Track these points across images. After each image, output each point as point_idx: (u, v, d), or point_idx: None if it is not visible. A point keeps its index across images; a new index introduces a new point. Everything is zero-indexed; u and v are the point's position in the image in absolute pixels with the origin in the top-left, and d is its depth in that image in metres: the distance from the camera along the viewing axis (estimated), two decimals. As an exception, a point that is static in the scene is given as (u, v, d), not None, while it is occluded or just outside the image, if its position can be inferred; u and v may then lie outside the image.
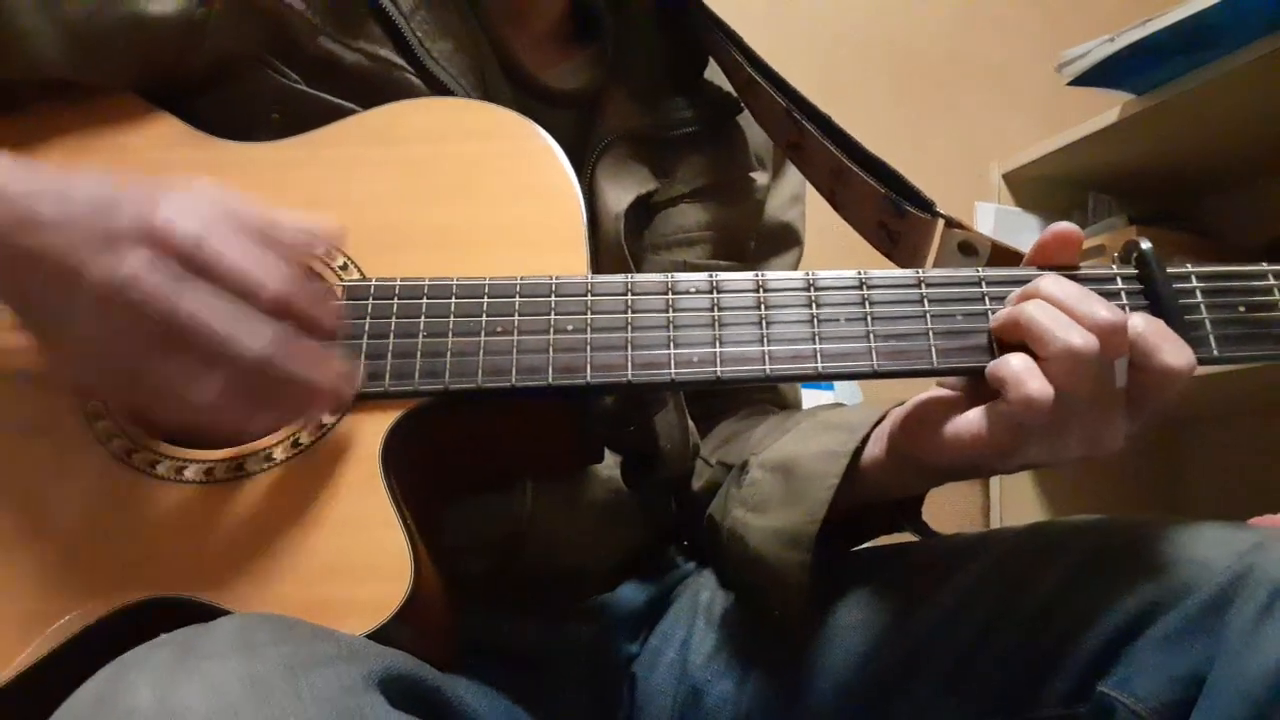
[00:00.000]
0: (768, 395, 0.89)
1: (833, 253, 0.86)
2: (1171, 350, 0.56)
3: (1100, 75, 1.53)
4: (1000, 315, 0.58)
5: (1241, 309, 0.60)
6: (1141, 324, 0.56)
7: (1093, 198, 1.81)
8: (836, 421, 0.70)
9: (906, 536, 0.73)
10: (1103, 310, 0.55)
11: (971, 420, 0.57)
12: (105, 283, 0.50)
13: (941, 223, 0.69)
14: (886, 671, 0.65)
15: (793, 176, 0.90)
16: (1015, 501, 1.74)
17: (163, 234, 0.51)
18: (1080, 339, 0.54)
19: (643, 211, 0.77)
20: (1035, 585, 0.61)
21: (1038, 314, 0.56)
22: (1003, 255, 0.66)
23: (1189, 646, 0.54)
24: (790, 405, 0.90)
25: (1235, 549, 0.56)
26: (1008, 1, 1.98)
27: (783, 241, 0.90)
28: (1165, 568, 0.57)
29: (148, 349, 0.51)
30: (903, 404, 0.65)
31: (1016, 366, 0.55)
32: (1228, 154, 1.65)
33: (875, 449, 0.66)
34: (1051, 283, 0.57)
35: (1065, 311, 0.56)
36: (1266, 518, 1.23)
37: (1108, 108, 1.59)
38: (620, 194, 0.74)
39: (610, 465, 0.75)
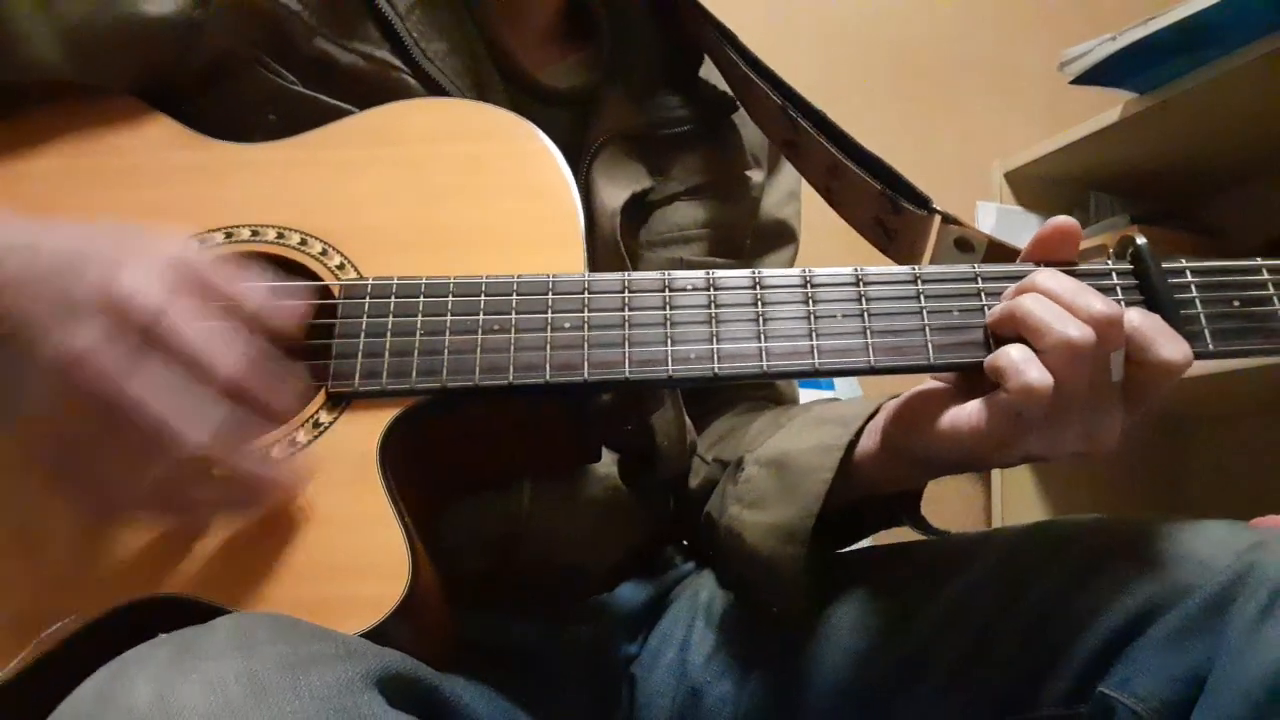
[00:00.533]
0: (764, 392, 0.89)
1: (829, 250, 0.86)
2: (1168, 344, 0.56)
3: (1102, 74, 1.53)
4: (996, 310, 0.59)
5: (1236, 304, 0.60)
6: (1138, 319, 0.56)
7: (1094, 197, 1.81)
8: (831, 416, 0.70)
9: (906, 533, 0.73)
10: (1099, 303, 0.55)
11: (970, 412, 0.57)
12: (57, 355, 0.49)
13: (938, 219, 0.69)
14: (887, 672, 0.65)
15: (788, 174, 0.90)
16: (1016, 499, 1.74)
17: (122, 305, 0.49)
18: (1077, 331, 0.54)
19: (638, 209, 0.77)
20: (1036, 585, 0.61)
21: (1035, 307, 0.56)
22: (999, 252, 0.66)
23: (1189, 646, 0.54)
24: (787, 401, 0.90)
25: (1235, 549, 0.56)
26: (1009, 1, 1.98)
27: (778, 238, 0.90)
28: (1166, 568, 0.57)
29: (90, 428, 0.50)
30: (896, 397, 0.65)
31: (1016, 356, 0.55)
32: (1228, 154, 1.65)
33: (869, 442, 0.66)
34: (1047, 277, 0.58)
35: (1062, 305, 0.56)
36: (1267, 518, 1.23)
37: (1109, 107, 1.59)
38: (616, 192, 0.74)
39: (608, 464, 0.75)
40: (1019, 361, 0.55)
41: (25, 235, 0.52)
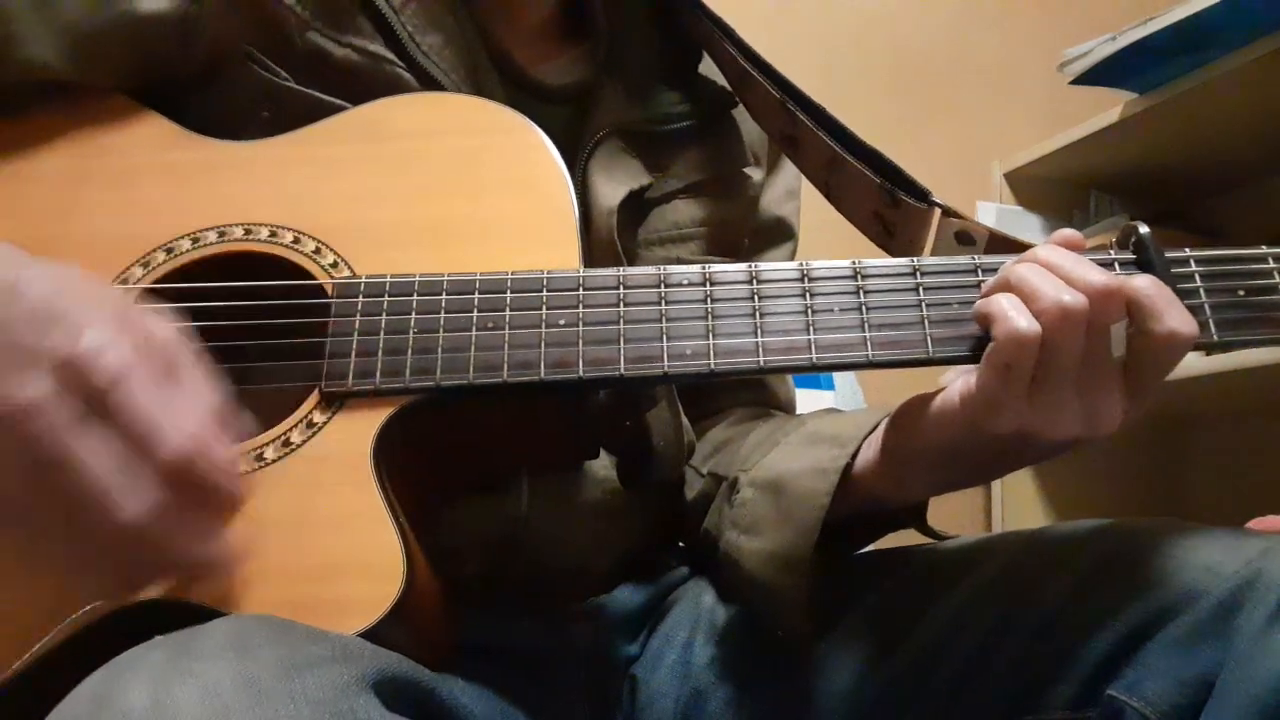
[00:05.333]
0: (760, 396, 0.88)
1: (829, 250, 0.85)
2: (1177, 316, 0.55)
3: (1102, 74, 1.54)
4: (991, 281, 0.58)
5: (1241, 292, 0.59)
6: (1147, 286, 0.55)
7: (1094, 197, 1.81)
8: (827, 434, 0.69)
9: (907, 535, 0.73)
10: (1096, 274, 0.55)
11: (962, 379, 0.57)
12: (5, 404, 0.47)
13: (938, 212, 0.68)
14: (895, 677, 0.64)
15: (788, 172, 0.90)
16: (1017, 502, 1.74)
17: (81, 366, 0.48)
18: (1070, 296, 0.54)
19: (636, 207, 0.77)
20: (1044, 589, 0.61)
21: (1029, 273, 0.56)
22: (1000, 245, 0.65)
23: (1198, 650, 0.54)
24: (783, 405, 0.90)
25: (1244, 555, 0.55)
26: (1009, 1, 1.98)
27: (776, 235, 0.89)
28: (1174, 573, 0.56)
29: (27, 485, 0.48)
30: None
31: (1005, 303, 0.55)
32: (1228, 154, 1.65)
33: (868, 454, 0.65)
34: (1047, 251, 0.57)
35: (1059, 274, 0.56)
36: (1268, 518, 1.23)
37: (1109, 107, 1.59)
38: (614, 189, 0.74)
39: (606, 465, 0.75)
40: (1008, 308, 0.55)
41: (13, 271, 0.51)
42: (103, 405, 0.48)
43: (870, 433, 0.66)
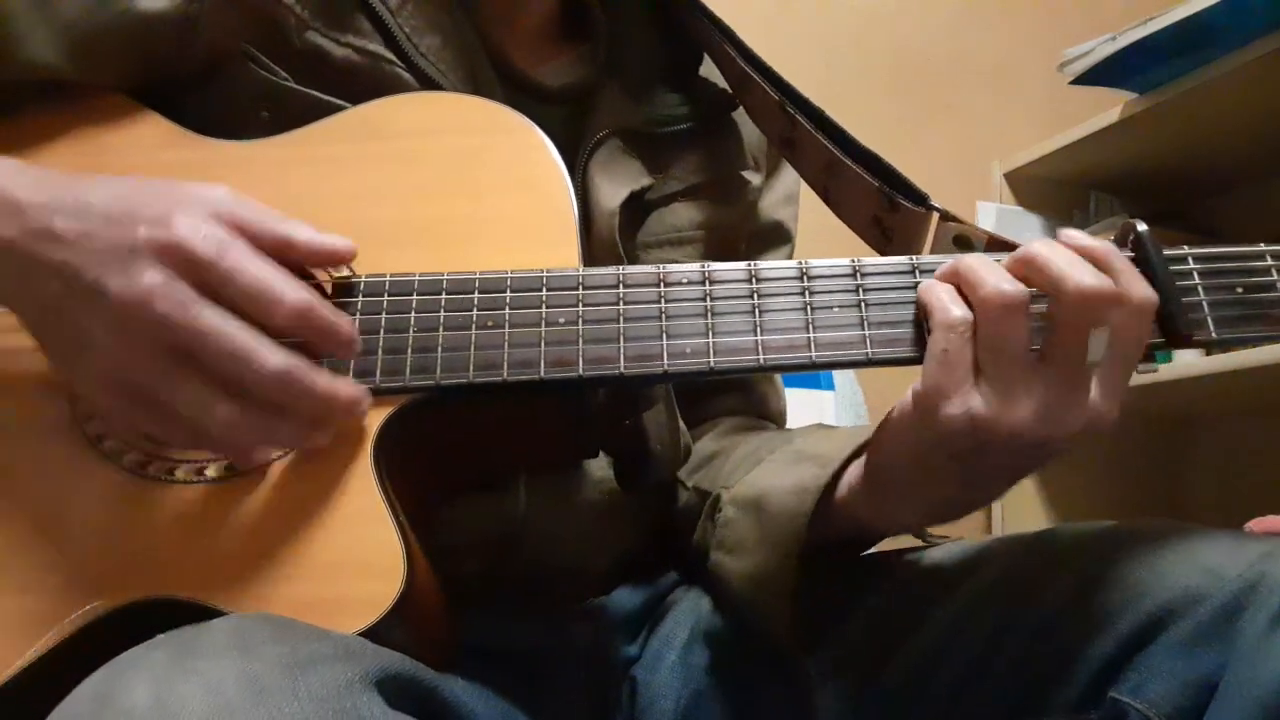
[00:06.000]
0: (751, 405, 0.88)
1: (826, 255, 0.86)
2: (1139, 288, 0.55)
3: (1102, 74, 1.54)
4: (940, 269, 0.59)
5: (1239, 290, 0.59)
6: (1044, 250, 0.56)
7: (1094, 197, 1.81)
8: (810, 452, 0.69)
9: (911, 538, 0.72)
10: (1088, 277, 0.54)
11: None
12: (122, 300, 0.51)
13: (936, 216, 0.68)
14: (895, 680, 0.64)
15: (787, 177, 0.89)
16: (1017, 503, 1.74)
17: (180, 249, 0.51)
18: (1011, 285, 0.54)
19: (637, 208, 0.77)
20: (1046, 591, 0.60)
21: (975, 263, 0.57)
22: (999, 249, 0.65)
23: (1201, 653, 0.54)
24: (773, 415, 0.89)
25: (1247, 557, 0.55)
26: (1009, 1, 1.98)
27: (773, 239, 0.89)
28: (1177, 575, 0.56)
29: (164, 367, 0.52)
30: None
31: (940, 292, 0.56)
32: (1228, 154, 1.66)
33: (853, 476, 0.65)
34: (1044, 246, 0.57)
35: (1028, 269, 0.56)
36: (1268, 518, 1.23)
37: (1109, 107, 1.59)
38: (614, 190, 0.74)
39: (604, 466, 0.74)
40: (943, 296, 0.56)
41: (70, 191, 0.54)
42: (215, 278, 0.52)
43: (855, 454, 0.65)
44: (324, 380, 0.54)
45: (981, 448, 0.56)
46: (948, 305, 0.56)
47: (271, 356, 0.52)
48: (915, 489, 0.61)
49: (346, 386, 0.55)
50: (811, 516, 0.63)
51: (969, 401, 0.55)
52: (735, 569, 0.68)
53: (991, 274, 0.55)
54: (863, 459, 0.64)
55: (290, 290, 0.53)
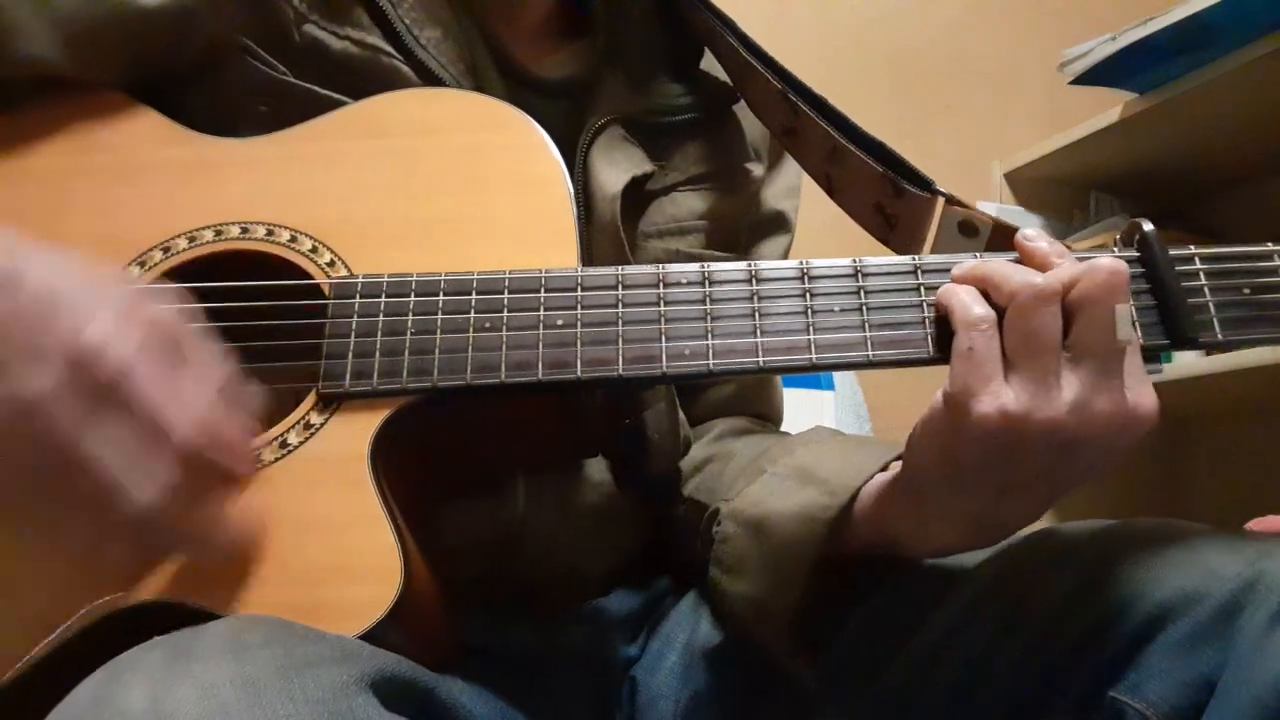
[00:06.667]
0: (748, 405, 0.87)
1: (828, 251, 0.85)
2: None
3: (1102, 74, 1.54)
4: (958, 270, 0.58)
5: (1246, 290, 0.58)
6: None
7: (1094, 197, 1.81)
8: (816, 473, 0.67)
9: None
10: (1104, 266, 0.54)
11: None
12: (14, 397, 0.48)
13: (941, 201, 0.67)
14: (896, 680, 0.64)
15: (789, 169, 0.89)
16: (1017, 502, 1.73)
17: (89, 357, 0.48)
18: (1043, 279, 0.54)
19: (638, 196, 0.76)
20: (1045, 592, 0.60)
21: (999, 265, 0.57)
22: (1004, 234, 0.64)
23: (1200, 653, 0.54)
24: (771, 415, 0.89)
25: (1246, 556, 0.55)
26: (1009, 1, 1.98)
27: (773, 228, 0.89)
28: (1175, 574, 0.56)
29: (40, 475, 0.49)
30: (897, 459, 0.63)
31: (962, 294, 0.56)
32: (1228, 154, 1.66)
33: (866, 499, 0.64)
34: (1043, 240, 0.58)
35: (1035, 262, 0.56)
36: (1268, 518, 1.23)
37: (1109, 107, 1.59)
38: (616, 175, 0.73)
39: (603, 469, 0.74)
40: (964, 297, 0.56)
41: (11, 261, 0.51)
42: (113, 395, 0.49)
43: (866, 480, 0.64)
44: (194, 528, 0.51)
45: (1016, 448, 0.54)
46: (969, 304, 0.55)
47: (139, 495, 0.48)
48: (949, 500, 0.59)
49: (224, 529, 0.52)
50: (819, 550, 0.62)
51: (1001, 398, 0.53)
52: (734, 590, 0.68)
53: (1017, 271, 0.55)
54: (885, 475, 0.63)
55: (182, 421, 0.49)
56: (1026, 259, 0.58)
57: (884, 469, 0.65)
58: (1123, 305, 0.53)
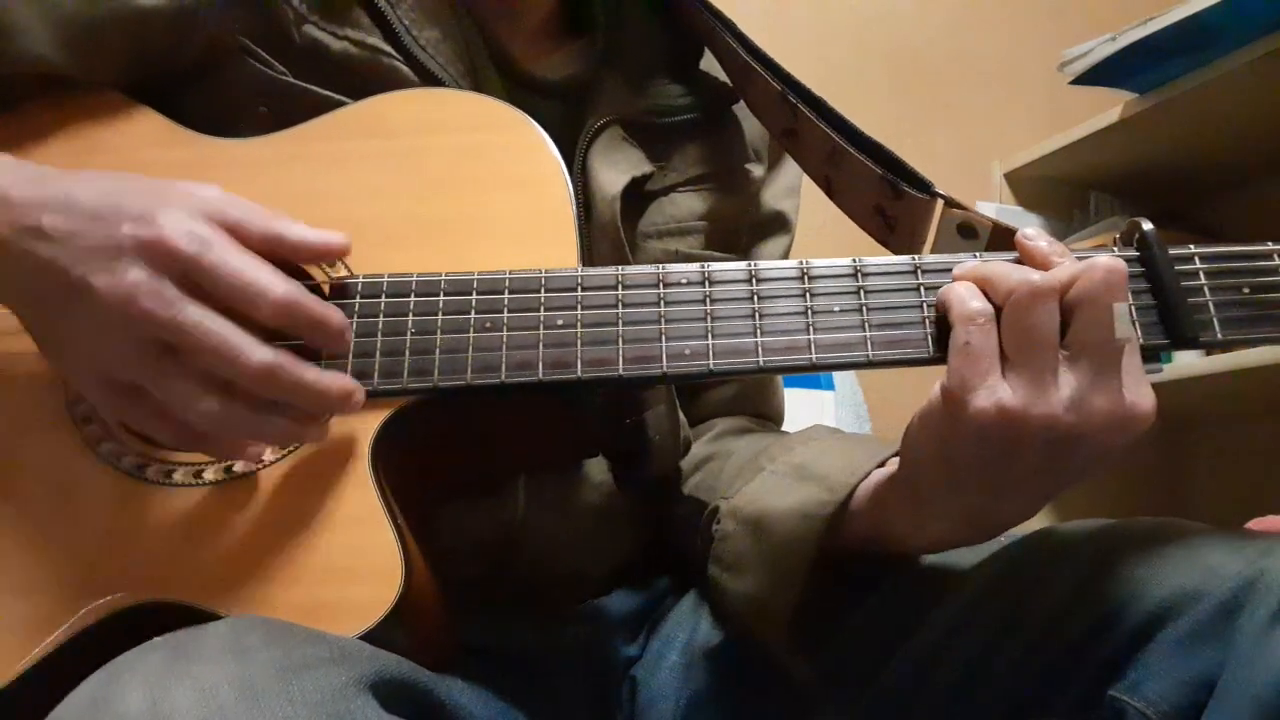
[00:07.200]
0: (748, 405, 0.87)
1: (828, 251, 0.85)
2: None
3: (1102, 74, 1.53)
4: (959, 269, 0.59)
5: (1246, 290, 0.58)
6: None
7: (1094, 197, 1.81)
8: (815, 471, 0.68)
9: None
10: (1105, 256, 0.55)
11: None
12: (106, 298, 0.51)
13: (940, 203, 0.67)
14: (895, 679, 0.64)
15: (789, 170, 0.89)
16: (1016, 502, 1.73)
17: (164, 246, 0.52)
18: (1040, 276, 0.54)
19: (637, 197, 0.76)
20: (1045, 591, 0.60)
21: (999, 265, 0.57)
22: (1003, 236, 0.64)
23: (1200, 651, 0.54)
24: (772, 415, 0.89)
25: (1245, 555, 0.55)
26: (1009, 1, 1.98)
27: (773, 228, 0.89)
28: (1175, 573, 0.56)
29: (150, 364, 0.52)
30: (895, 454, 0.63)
31: (961, 290, 0.56)
32: (1228, 154, 1.65)
33: (862, 495, 0.64)
34: (1042, 240, 0.58)
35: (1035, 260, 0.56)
36: (1268, 518, 1.23)
37: (1109, 107, 1.59)
38: (616, 176, 0.74)
39: (603, 469, 0.74)
40: (963, 293, 0.56)
41: (61, 187, 0.55)
42: (197, 275, 0.52)
43: (864, 477, 0.64)
44: (312, 374, 0.54)
45: (1012, 444, 0.54)
46: (966, 298, 0.55)
47: (256, 351, 0.52)
48: (945, 496, 0.59)
49: (337, 379, 0.55)
50: (818, 548, 0.63)
51: (997, 392, 0.53)
52: (734, 588, 0.68)
53: (1016, 269, 0.55)
54: (882, 472, 0.64)
55: (275, 284, 0.53)
56: (1026, 258, 0.58)
57: (882, 465, 0.65)
58: (1121, 303, 0.53)
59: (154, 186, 0.55)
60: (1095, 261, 0.54)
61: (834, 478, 0.65)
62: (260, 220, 0.56)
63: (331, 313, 0.55)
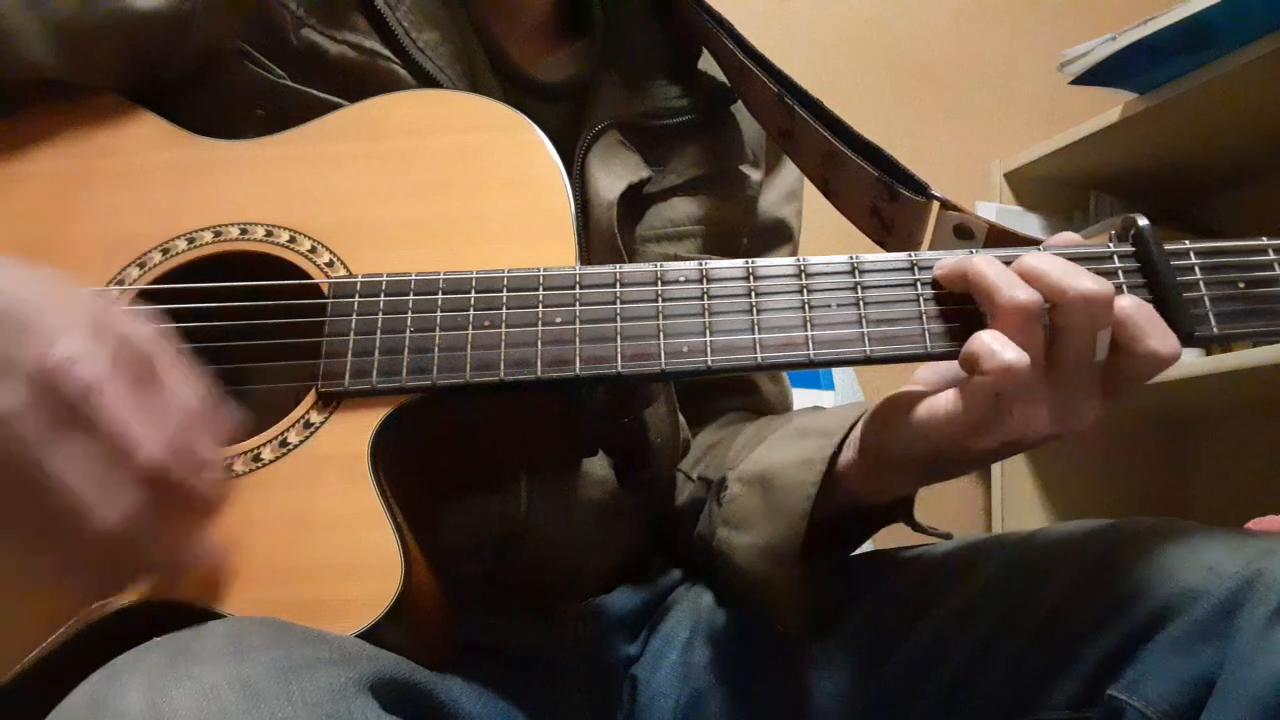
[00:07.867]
0: (755, 403, 0.87)
1: (826, 249, 0.85)
2: (1158, 337, 0.55)
3: (1102, 74, 1.53)
4: (947, 267, 0.59)
5: (1241, 285, 0.58)
6: (1131, 307, 0.55)
7: (1094, 197, 1.81)
8: (812, 427, 0.69)
9: (910, 537, 0.72)
10: (1088, 281, 0.54)
11: (946, 398, 0.57)
12: None
13: (936, 205, 0.67)
14: (894, 678, 0.64)
15: (789, 174, 0.89)
16: (1017, 502, 1.74)
17: (54, 376, 0.47)
18: (1025, 293, 0.54)
19: (635, 202, 0.76)
20: (1044, 589, 0.60)
21: (986, 270, 0.56)
22: (1000, 239, 0.65)
23: (1199, 650, 0.54)
24: (775, 410, 0.89)
25: (1244, 554, 0.55)
26: (1009, 1, 1.98)
27: (775, 237, 0.89)
28: (1175, 573, 0.56)
29: (6, 494, 0.48)
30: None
31: (987, 339, 0.54)
32: (1228, 154, 1.65)
33: (850, 452, 0.65)
34: (1037, 259, 0.57)
35: (1043, 284, 0.55)
36: (1267, 518, 1.23)
37: (1109, 107, 1.59)
38: (613, 181, 0.74)
39: (604, 466, 0.74)
40: (991, 343, 0.54)
41: None
42: (78, 414, 0.47)
43: (853, 427, 0.66)
44: (160, 547, 0.50)
45: (992, 455, 0.57)
46: (1002, 352, 0.54)
47: (103, 516, 0.47)
48: (917, 472, 0.63)
49: (188, 551, 0.51)
50: (819, 486, 0.64)
51: (1005, 429, 0.55)
52: (742, 543, 0.68)
53: (1004, 281, 0.55)
54: (858, 435, 0.65)
55: (149, 442, 0.48)
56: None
57: None
58: (1104, 330, 0.55)
59: (70, 300, 0.50)
60: (1078, 292, 0.54)
61: (830, 427, 0.67)
62: (169, 361, 0.51)
63: (200, 483, 0.50)
